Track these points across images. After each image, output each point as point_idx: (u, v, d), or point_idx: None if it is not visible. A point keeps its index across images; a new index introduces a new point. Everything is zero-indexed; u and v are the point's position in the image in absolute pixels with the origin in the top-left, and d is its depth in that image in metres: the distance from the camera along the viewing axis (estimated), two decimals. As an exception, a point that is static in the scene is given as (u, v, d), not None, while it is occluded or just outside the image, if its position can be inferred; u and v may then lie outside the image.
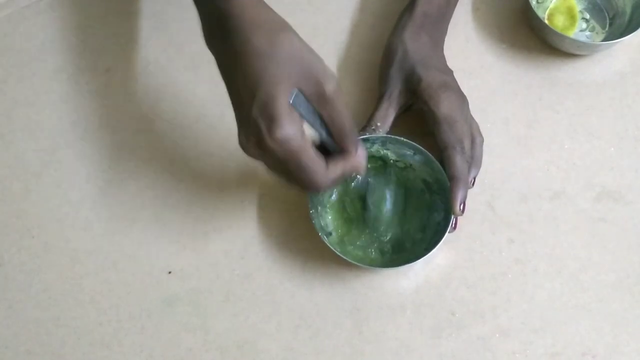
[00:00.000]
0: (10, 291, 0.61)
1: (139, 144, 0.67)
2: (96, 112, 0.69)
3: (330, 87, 0.48)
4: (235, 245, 0.62)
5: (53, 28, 0.73)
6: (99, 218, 0.64)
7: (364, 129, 0.63)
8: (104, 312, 0.60)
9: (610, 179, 0.64)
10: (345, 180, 0.60)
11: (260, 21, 0.49)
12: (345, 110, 0.50)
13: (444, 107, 0.60)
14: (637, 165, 0.65)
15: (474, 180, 0.61)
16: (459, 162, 0.59)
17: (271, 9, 0.51)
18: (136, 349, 0.59)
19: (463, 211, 0.59)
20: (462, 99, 0.62)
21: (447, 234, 0.57)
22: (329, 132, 0.51)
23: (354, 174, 0.55)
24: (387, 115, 0.63)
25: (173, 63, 0.71)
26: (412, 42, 0.63)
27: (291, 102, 0.46)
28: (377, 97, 0.64)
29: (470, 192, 0.61)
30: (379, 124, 0.62)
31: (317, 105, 0.49)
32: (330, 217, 0.62)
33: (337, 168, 0.51)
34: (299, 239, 0.62)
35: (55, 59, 0.71)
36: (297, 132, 0.47)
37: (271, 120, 0.46)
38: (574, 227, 0.62)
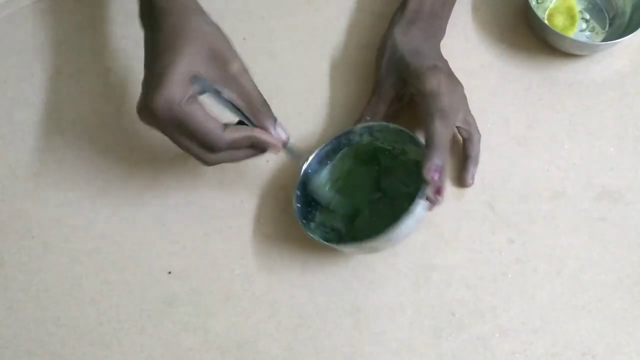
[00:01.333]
0: (10, 291, 0.61)
1: (139, 143, 0.67)
2: (96, 112, 0.69)
3: (235, 66, 0.52)
4: (235, 245, 0.62)
5: (53, 28, 0.73)
6: (99, 218, 0.64)
7: (356, 123, 0.63)
8: (104, 312, 0.60)
9: (610, 179, 0.64)
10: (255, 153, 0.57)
11: (178, 7, 0.53)
12: (252, 87, 0.53)
13: (429, 83, 0.57)
14: (637, 165, 0.65)
15: (474, 178, 0.61)
16: (437, 128, 0.56)
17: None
18: (136, 349, 0.59)
19: (438, 183, 0.55)
20: (454, 82, 0.61)
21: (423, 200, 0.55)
22: (245, 116, 0.54)
23: (288, 154, 0.57)
24: (377, 109, 0.63)
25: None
26: (401, 36, 0.63)
27: (193, 85, 0.50)
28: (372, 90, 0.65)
29: (471, 191, 0.61)
30: (368, 118, 0.62)
31: (224, 83, 0.52)
32: (320, 220, 0.62)
33: (237, 132, 0.53)
34: (299, 239, 0.62)
35: (55, 59, 0.71)
36: (183, 95, 0.49)
37: (158, 81, 0.49)
38: (574, 227, 0.62)
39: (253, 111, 0.53)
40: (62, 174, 0.66)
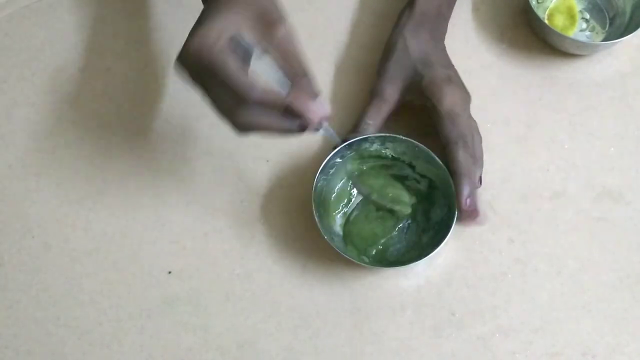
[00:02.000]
0: (10, 291, 0.61)
1: (139, 144, 0.67)
2: (96, 112, 0.69)
3: (280, 29, 0.49)
4: (235, 245, 0.62)
5: (53, 28, 0.73)
6: (99, 218, 0.64)
7: (355, 128, 0.62)
8: (104, 312, 0.60)
9: (610, 178, 0.64)
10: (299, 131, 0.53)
11: None
12: (295, 53, 0.50)
13: (447, 102, 0.59)
14: (638, 165, 0.65)
15: (481, 180, 0.61)
16: (461, 157, 0.58)
17: None
18: (136, 348, 0.59)
19: (471, 207, 0.58)
20: (465, 93, 0.62)
21: (452, 230, 0.57)
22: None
23: (324, 132, 0.54)
24: (379, 112, 0.62)
25: (173, 63, 0.70)
26: (412, 39, 0.63)
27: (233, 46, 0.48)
28: (370, 91, 0.64)
29: (471, 191, 0.61)
30: (370, 122, 0.62)
31: (268, 46, 0.49)
32: (332, 218, 0.62)
33: (266, 86, 0.49)
34: (299, 239, 0.62)
35: (55, 59, 0.71)
36: (217, 43, 0.47)
37: (197, 28, 0.48)
38: (574, 227, 0.62)
39: (293, 78, 0.50)
40: (62, 174, 0.66)
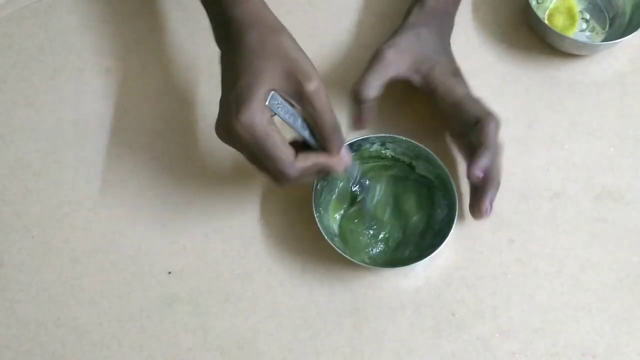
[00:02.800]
0: (10, 291, 0.61)
1: (139, 144, 0.67)
2: (96, 112, 0.69)
3: (311, 86, 0.50)
4: (235, 246, 0.62)
5: (53, 28, 0.73)
6: (99, 218, 0.64)
7: (356, 85, 0.61)
8: (104, 312, 0.60)
9: (610, 179, 0.64)
10: (323, 177, 0.59)
11: (256, 23, 0.52)
12: (327, 110, 0.51)
13: (461, 88, 0.60)
14: (637, 165, 0.65)
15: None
16: (491, 131, 0.58)
17: (271, 14, 0.53)
18: (136, 349, 0.59)
19: (487, 204, 0.58)
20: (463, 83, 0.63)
21: (452, 228, 0.57)
22: (312, 133, 0.52)
23: (345, 174, 0.57)
24: (381, 75, 0.61)
25: (173, 63, 0.71)
26: (426, 29, 0.63)
27: (267, 103, 0.49)
28: (369, 60, 0.63)
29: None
30: (365, 90, 0.61)
31: (298, 103, 0.51)
32: (333, 219, 0.62)
33: (307, 160, 0.52)
34: (299, 239, 0.62)
35: (55, 59, 0.71)
36: (264, 119, 0.48)
37: (241, 104, 0.48)
38: (574, 227, 0.62)
39: (322, 134, 0.52)
40: (62, 174, 0.66)
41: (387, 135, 0.61)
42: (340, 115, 0.67)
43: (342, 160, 0.54)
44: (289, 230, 0.63)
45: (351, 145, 0.61)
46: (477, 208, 0.58)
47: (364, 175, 0.62)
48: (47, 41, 0.72)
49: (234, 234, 0.63)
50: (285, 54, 0.50)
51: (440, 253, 0.60)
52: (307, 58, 0.51)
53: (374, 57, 0.62)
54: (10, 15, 0.74)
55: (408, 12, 0.67)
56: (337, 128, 0.52)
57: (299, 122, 0.52)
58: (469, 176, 0.57)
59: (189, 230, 0.63)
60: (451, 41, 0.67)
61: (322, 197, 0.61)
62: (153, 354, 0.59)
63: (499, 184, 0.59)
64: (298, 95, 0.50)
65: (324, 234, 0.57)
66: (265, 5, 0.54)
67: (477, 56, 0.70)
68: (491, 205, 0.58)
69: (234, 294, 0.61)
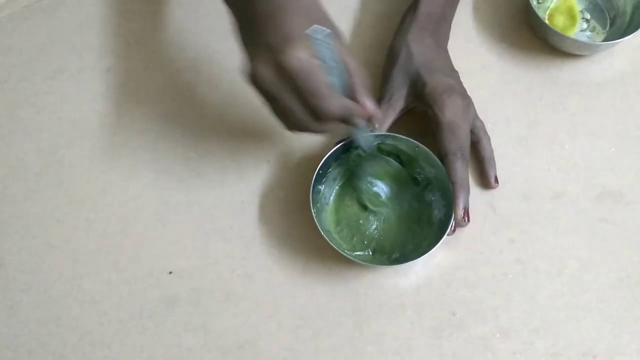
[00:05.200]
0: (11, 291, 0.61)
1: (139, 143, 0.67)
2: (96, 112, 0.69)
3: (343, 40, 0.52)
4: (236, 246, 0.62)
5: (53, 28, 0.73)
6: (100, 218, 0.64)
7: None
8: (105, 313, 0.60)
9: (611, 179, 0.64)
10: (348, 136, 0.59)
11: None
12: (354, 64, 0.52)
13: (448, 112, 0.60)
14: (638, 165, 0.65)
15: (497, 179, 0.63)
16: (459, 168, 0.59)
17: None
18: (137, 349, 0.59)
19: (466, 218, 0.60)
20: (467, 101, 0.62)
21: (445, 235, 0.58)
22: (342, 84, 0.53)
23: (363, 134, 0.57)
24: (386, 117, 0.63)
25: (173, 63, 0.71)
26: (416, 45, 0.63)
27: (310, 33, 0.49)
28: (377, 98, 0.64)
29: (472, 192, 0.61)
30: (377, 125, 0.62)
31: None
32: (330, 216, 0.62)
33: (346, 101, 0.52)
34: (299, 239, 0.62)
35: (55, 59, 0.71)
36: (311, 55, 0.49)
37: (290, 41, 0.49)
38: (575, 227, 0.62)
39: (354, 87, 0.53)
40: (62, 174, 0.66)
41: (388, 133, 0.61)
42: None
43: (372, 110, 0.54)
44: (290, 230, 0.63)
45: (351, 143, 0.61)
46: (455, 217, 0.59)
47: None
48: (47, 41, 0.72)
49: (235, 234, 0.63)
50: (308, 10, 0.51)
51: (440, 252, 0.60)
52: (327, 14, 0.53)
53: (380, 100, 0.64)
54: (10, 15, 0.74)
55: (403, 18, 0.67)
56: (365, 79, 0.53)
57: (334, 63, 0.52)
58: (454, 218, 0.59)
59: (189, 230, 0.63)
60: (452, 41, 0.67)
61: (322, 195, 0.61)
62: (154, 354, 0.59)
63: (468, 189, 0.60)
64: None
65: (320, 230, 0.57)
66: None
67: (477, 56, 0.70)
68: (466, 210, 0.60)
69: (234, 293, 0.61)
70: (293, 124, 0.53)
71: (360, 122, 0.54)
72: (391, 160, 0.63)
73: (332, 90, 0.51)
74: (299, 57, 0.48)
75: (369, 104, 0.54)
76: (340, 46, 0.52)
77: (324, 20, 0.52)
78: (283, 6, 0.51)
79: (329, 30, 0.51)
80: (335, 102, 0.51)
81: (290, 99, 0.50)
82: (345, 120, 0.53)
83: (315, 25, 0.50)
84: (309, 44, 0.49)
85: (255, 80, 0.50)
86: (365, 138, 0.59)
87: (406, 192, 0.63)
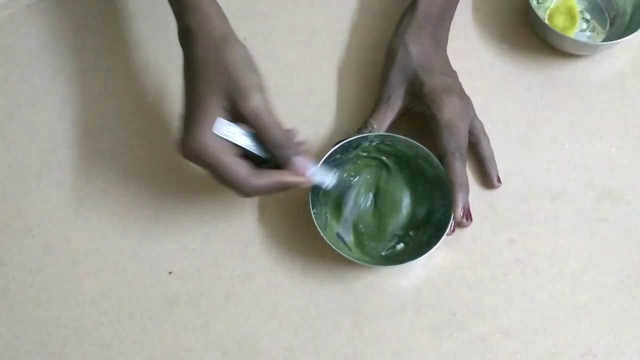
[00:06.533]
0: (10, 291, 0.61)
1: (139, 144, 0.67)
2: (96, 112, 0.69)
3: (245, 106, 0.51)
4: (236, 246, 0.62)
5: (53, 28, 0.73)
6: (99, 218, 0.64)
7: (360, 130, 0.63)
8: (105, 313, 0.60)
9: (610, 179, 0.64)
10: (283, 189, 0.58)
11: (201, 37, 0.54)
12: (268, 127, 0.52)
13: (447, 112, 0.60)
14: (638, 165, 0.65)
15: (499, 178, 0.63)
16: (458, 168, 0.59)
17: (220, 21, 0.55)
18: (137, 349, 0.59)
19: (467, 217, 0.60)
20: (466, 101, 0.62)
21: (445, 235, 0.58)
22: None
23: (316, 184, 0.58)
24: (384, 118, 0.63)
25: (173, 63, 0.70)
26: (414, 44, 0.63)
27: (215, 131, 0.51)
28: (376, 99, 0.64)
29: (472, 192, 0.61)
30: (375, 125, 0.62)
31: (242, 121, 0.52)
32: (330, 217, 0.62)
33: (262, 178, 0.53)
34: (299, 239, 0.62)
35: (55, 59, 0.71)
36: (213, 143, 0.51)
37: (189, 128, 0.51)
38: (575, 227, 0.62)
39: (271, 149, 0.53)
40: (62, 174, 0.66)
41: (387, 134, 0.61)
42: (341, 112, 0.67)
43: (302, 171, 0.54)
44: (290, 230, 0.63)
45: (350, 144, 0.61)
46: (455, 217, 0.60)
47: (355, 173, 0.63)
48: (47, 41, 0.72)
49: (235, 234, 0.63)
50: (225, 72, 0.52)
51: (440, 253, 0.60)
52: (248, 71, 0.52)
53: (378, 101, 0.64)
54: (10, 15, 0.73)
55: (401, 18, 0.67)
56: (283, 144, 0.53)
57: (253, 142, 0.53)
58: (454, 217, 0.59)
59: (189, 230, 0.63)
60: (452, 41, 0.67)
61: (321, 192, 0.61)
62: (153, 354, 0.59)
63: (468, 188, 0.60)
64: (238, 114, 0.52)
65: (322, 234, 0.57)
66: (215, 10, 0.55)
67: (477, 56, 0.70)
68: (466, 210, 0.60)
69: (234, 294, 0.61)
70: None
71: (304, 184, 0.55)
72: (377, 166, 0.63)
73: (241, 170, 0.52)
74: (199, 149, 0.51)
75: (295, 170, 0.54)
76: (245, 115, 0.51)
77: (234, 84, 0.51)
78: (200, 69, 0.52)
79: (227, 122, 0.52)
80: (249, 183, 0.52)
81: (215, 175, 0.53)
82: (279, 188, 0.54)
83: (218, 120, 0.51)
84: (211, 131, 0.51)
85: (184, 156, 0.53)
86: (322, 177, 0.59)
87: (405, 193, 0.63)
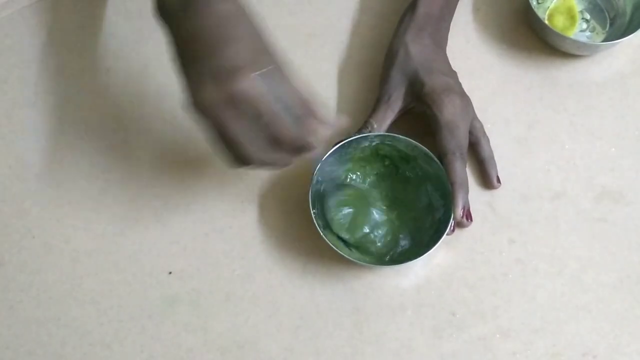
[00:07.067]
0: (11, 291, 0.61)
1: (139, 144, 0.67)
2: (96, 112, 0.69)
3: (288, 71, 0.50)
4: (236, 246, 0.62)
5: (53, 28, 0.73)
6: (99, 218, 0.64)
7: (360, 130, 0.63)
8: (105, 313, 0.60)
9: (610, 179, 0.64)
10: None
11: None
12: (305, 90, 0.50)
13: (447, 112, 0.60)
14: (638, 165, 0.65)
15: (499, 179, 0.63)
16: (458, 168, 0.59)
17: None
18: (137, 349, 0.59)
19: (467, 217, 0.60)
20: (466, 101, 0.62)
21: (445, 235, 0.58)
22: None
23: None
24: (384, 118, 0.63)
25: (173, 63, 0.70)
26: (414, 45, 0.63)
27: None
28: (376, 98, 0.64)
29: (471, 192, 0.61)
30: (375, 125, 0.62)
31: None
32: (330, 217, 0.62)
33: (306, 124, 0.49)
34: (299, 239, 0.62)
35: (55, 59, 0.71)
36: (261, 84, 0.48)
37: (238, 70, 0.47)
38: (575, 227, 0.62)
39: (309, 112, 0.50)
40: (62, 174, 0.66)
41: (387, 134, 0.61)
42: (341, 112, 0.67)
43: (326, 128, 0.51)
44: (290, 230, 0.63)
45: (350, 143, 0.61)
46: (455, 217, 0.59)
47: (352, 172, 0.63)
48: (47, 41, 0.72)
49: (235, 234, 0.63)
50: (251, 36, 0.50)
51: (440, 253, 0.60)
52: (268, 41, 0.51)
53: (378, 101, 0.63)
54: (10, 15, 0.73)
55: (401, 18, 0.67)
56: (311, 105, 0.51)
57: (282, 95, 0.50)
58: (454, 217, 0.59)
59: (189, 230, 0.63)
60: (452, 41, 0.67)
61: (322, 194, 0.61)
62: (153, 354, 0.59)
63: (467, 188, 0.60)
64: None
65: (322, 234, 0.57)
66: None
67: (477, 56, 0.70)
68: (466, 210, 0.60)
69: (234, 294, 0.61)
70: (239, 156, 0.50)
71: (316, 152, 0.52)
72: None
73: (283, 112, 0.49)
74: (252, 85, 0.47)
75: (326, 125, 0.51)
76: (283, 80, 0.49)
77: (266, 52, 0.50)
78: (226, 35, 0.49)
79: (271, 67, 0.49)
80: (295, 126, 0.49)
81: (242, 127, 0.49)
82: (301, 149, 0.50)
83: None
84: (257, 76, 0.48)
85: (203, 108, 0.49)
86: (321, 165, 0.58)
87: (404, 193, 0.63)
